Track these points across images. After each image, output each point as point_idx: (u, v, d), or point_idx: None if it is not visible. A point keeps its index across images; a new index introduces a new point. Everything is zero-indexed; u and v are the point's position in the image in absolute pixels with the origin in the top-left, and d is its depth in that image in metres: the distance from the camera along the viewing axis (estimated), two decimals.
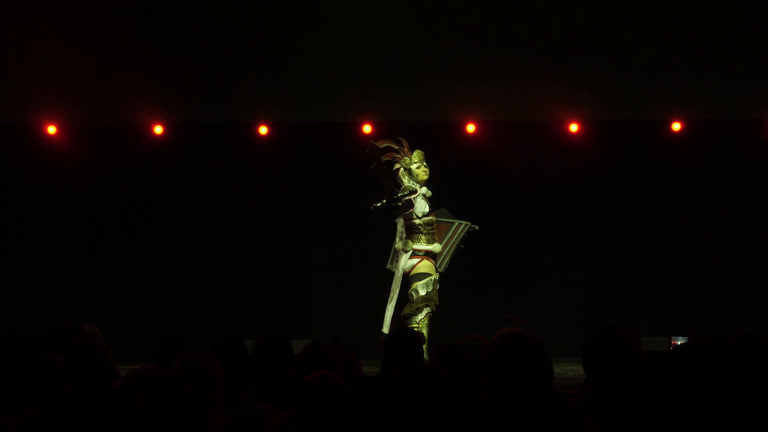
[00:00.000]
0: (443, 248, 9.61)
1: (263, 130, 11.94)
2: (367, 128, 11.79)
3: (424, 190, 9.29)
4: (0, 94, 11.52)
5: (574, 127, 11.91)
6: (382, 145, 9.31)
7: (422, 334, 9.09)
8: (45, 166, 11.85)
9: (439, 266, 9.59)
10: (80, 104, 11.61)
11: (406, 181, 9.25)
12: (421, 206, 9.31)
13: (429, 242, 9.34)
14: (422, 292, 9.31)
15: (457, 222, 9.72)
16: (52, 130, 11.76)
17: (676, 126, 11.92)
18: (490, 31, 11.49)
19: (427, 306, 9.31)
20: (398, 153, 9.31)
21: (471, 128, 11.91)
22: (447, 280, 10.90)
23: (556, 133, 11.97)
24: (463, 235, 9.69)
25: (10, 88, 11.42)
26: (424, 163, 9.32)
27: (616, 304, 11.79)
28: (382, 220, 11.08)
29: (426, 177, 9.30)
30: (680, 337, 6.93)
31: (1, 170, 12.00)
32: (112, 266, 11.98)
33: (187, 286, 12.04)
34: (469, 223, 9.71)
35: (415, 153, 9.35)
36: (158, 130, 11.85)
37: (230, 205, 12.08)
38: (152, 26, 11.48)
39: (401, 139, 9.34)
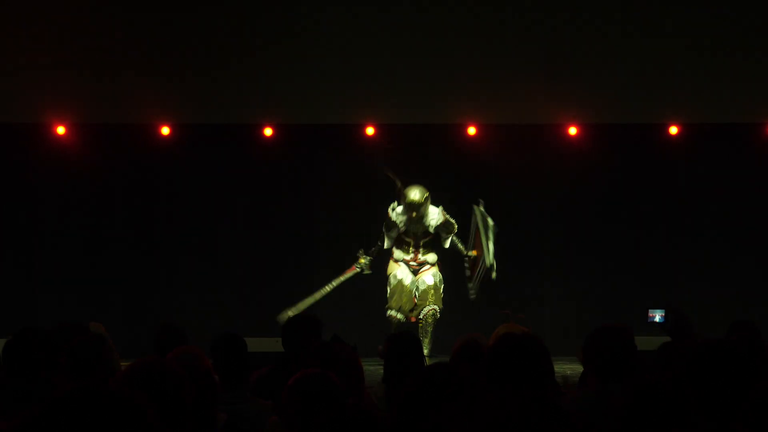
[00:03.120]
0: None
1: (268, 131, 12.05)
2: (370, 130, 11.90)
3: (402, 218, 10.12)
4: (10, 95, 11.63)
5: (573, 130, 12.00)
6: (386, 173, 10.20)
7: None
8: (54, 165, 11.97)
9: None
10: (89, 105, 11.72)
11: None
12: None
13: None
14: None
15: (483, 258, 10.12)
16: (61, 130, 11.90)
17: (674, 129, 12.00)
18: (491, 35, 11.56)
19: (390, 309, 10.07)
20: (395, 181, 10.15)
21: (472, 131, 12.01)
22: (448, 279, 11.03)
23: (556, 135, 12.06)
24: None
25: (21, 89, 11.53)
26: (421, 211, 10.00)
27: (615, 304, 11.84)
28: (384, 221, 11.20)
29: (417, 217, 10.02)
30: (657, 311, 6.85)
31: (11, 170, 12.11)
32: (119, 264, 12.09)
33: (191, 284, 12.13)
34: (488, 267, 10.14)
35: (411, 198, 10.00)
36: (165, 131, 11.98)
37: (235, 204, 12.18)
38: (160, 29, 11.60)
39: (393, 173, 10.16)
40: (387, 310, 10.11)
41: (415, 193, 10.00)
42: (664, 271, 12.08)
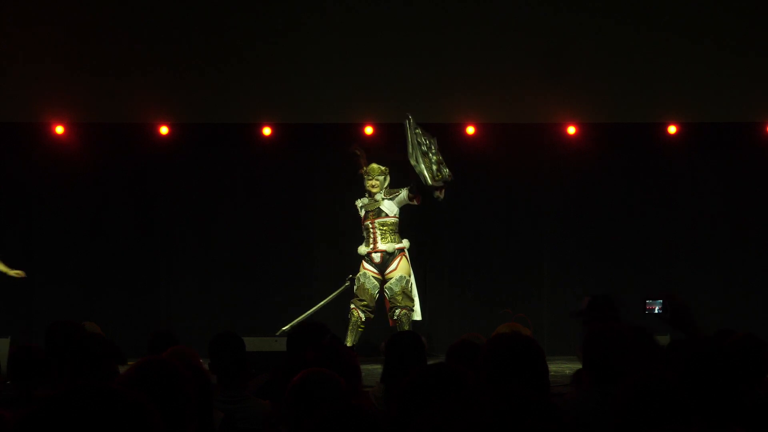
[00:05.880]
0: None
1: (267, 130, 12.06)
2: (368, 129, 11.90)
3: (360, 203, 10.54)
4: (9, 94, 11.63)
5: (571, 130, 12.01)
6: (354, 150, 10.54)
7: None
8: (53, 165, 11.97)
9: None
10: (87, 105, 11.72)
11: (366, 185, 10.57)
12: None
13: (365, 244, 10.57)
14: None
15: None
16: (59, 130, 11.90)
17: (672, 129, 12.02)
18: (490, 34, 11.57)
19: (352, 302, 10.41)
20: (360, 160, 10.51)
21: (471, 130, 12.01)
22: (446, 278, 11.03)
23: (555, 135, 12.07)
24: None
25: (20, 88, 11.54)
26: (378, 179, 10.44)
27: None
28: None
29: (375, 190, 10.44)
30: (656, 302, 6.82)
31: (10, 169, 12.12)
32: (117, 264, 12.10)
33: (190, 284, 12.15)
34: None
35: (369, 167, 10.51)
36: (164, 130, 11.98)
37: (233, 204, 12.19)
38: (159, 28, 11.60)
39: (362, 149, 10.53)
40: (351, 303, 10.41)
41: (374, 165, 10.49)
42: (663, 270, 12.09)
